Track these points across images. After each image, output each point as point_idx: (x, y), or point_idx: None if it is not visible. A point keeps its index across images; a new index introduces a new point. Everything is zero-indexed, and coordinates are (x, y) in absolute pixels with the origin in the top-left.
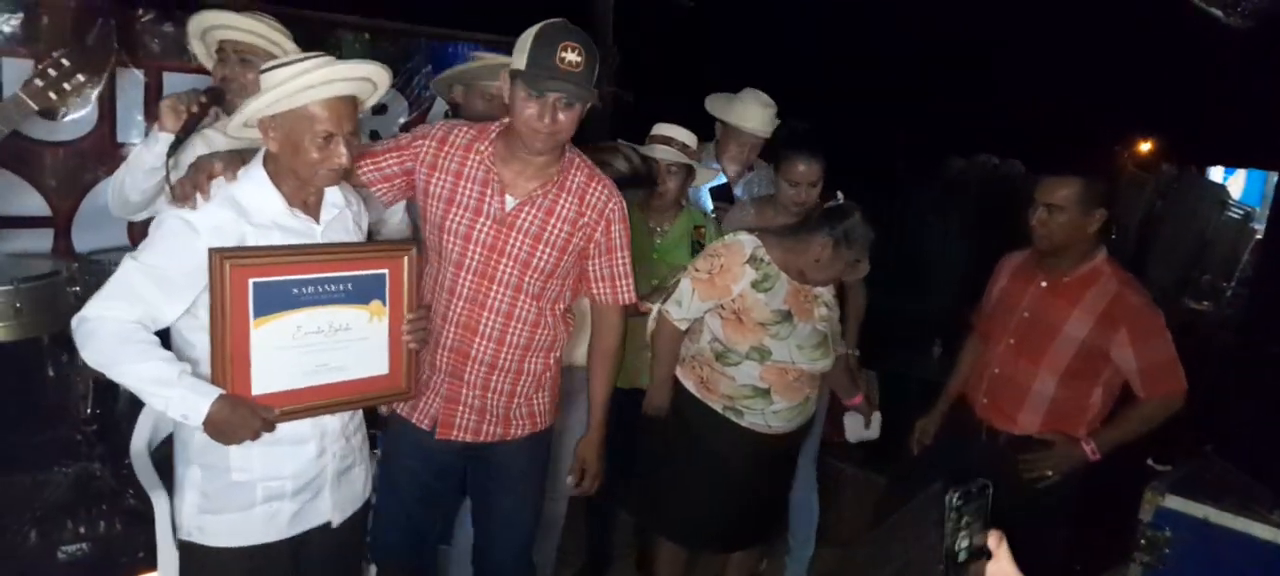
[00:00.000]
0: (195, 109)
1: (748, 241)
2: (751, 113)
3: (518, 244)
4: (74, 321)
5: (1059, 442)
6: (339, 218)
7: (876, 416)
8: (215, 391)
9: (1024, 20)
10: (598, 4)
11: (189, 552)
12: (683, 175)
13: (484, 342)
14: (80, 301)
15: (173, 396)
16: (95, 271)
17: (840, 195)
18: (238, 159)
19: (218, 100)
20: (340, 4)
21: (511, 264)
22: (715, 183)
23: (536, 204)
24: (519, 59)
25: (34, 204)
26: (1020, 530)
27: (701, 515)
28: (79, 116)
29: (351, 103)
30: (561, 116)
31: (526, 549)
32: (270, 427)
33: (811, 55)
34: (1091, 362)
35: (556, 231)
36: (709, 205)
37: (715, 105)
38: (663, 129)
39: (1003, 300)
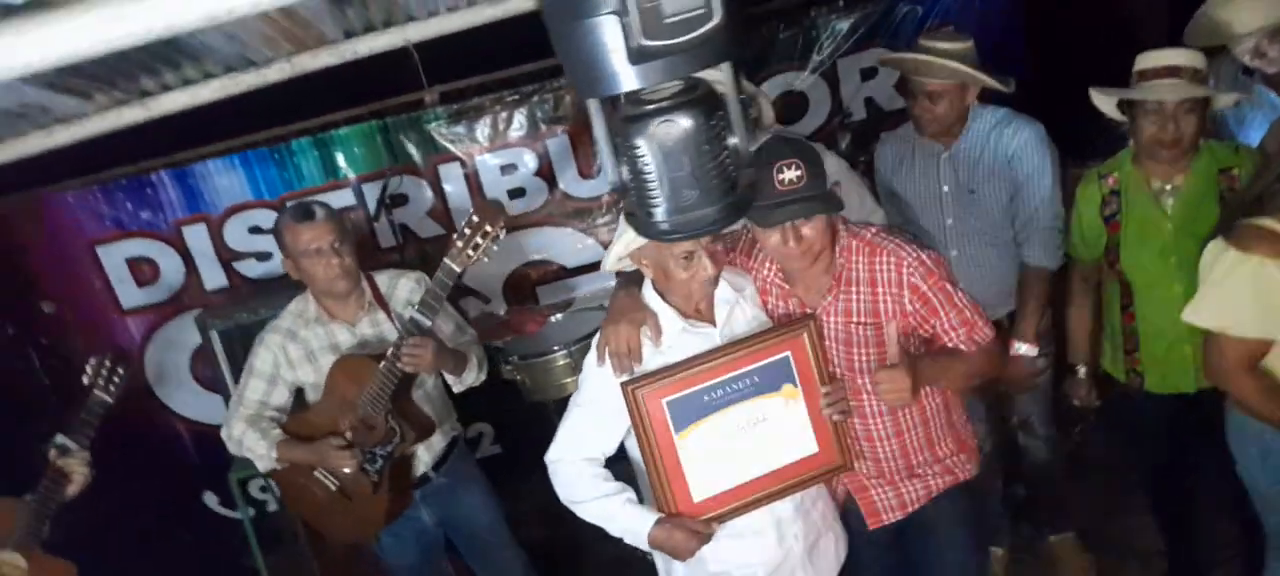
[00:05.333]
0: None
1: None
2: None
3: (835, 352)
4: (546, 459)
5: None
6: (734, 312)
7: None
8: (652, 518)
9: None
10: None
11: None
12: (1199, 110)
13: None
14: None
15: (619, 527)
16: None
17: None
18: (640, 316)
19: None
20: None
21: (839, 370)
22: None
23: (833, 312)
24: None
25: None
26: None
27: None
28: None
29: None
30: (806, 232)
31: None
32: (709, 536)
33: None
34: None
35: (861, 332)
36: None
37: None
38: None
39: None
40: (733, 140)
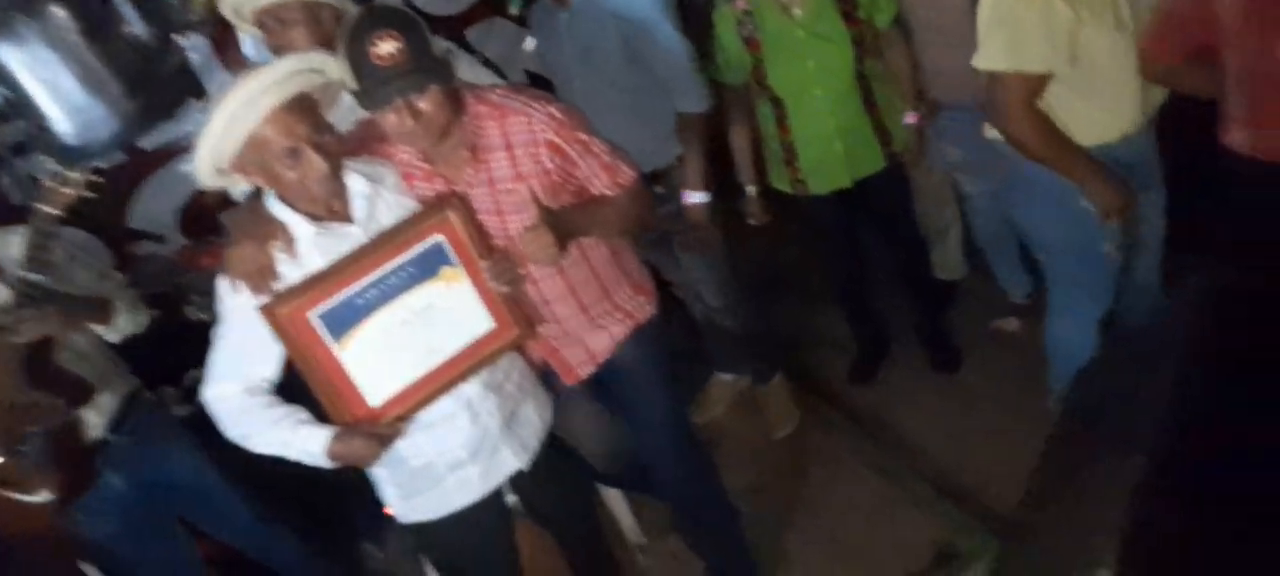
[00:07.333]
0: None
1: None
2: None
3: (491, 223)
4: (202, 399)
5: None
6: (376, 205)
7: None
8: (324, 434)
9: None
10: None
11: (416, 531)
12: None
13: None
14: None
15: (296, 451)
16: None
17: None
18: (266, 230)
19: None
20: None
21: (499, 239)
22: None
23: (477, 184)
24: (348, 76)
25: None
26: None
27: None
28: None
29: (299, 105)
30: (422, 106)
31: (683, 440)
32: (393, 436)
33: None
34: None
35: (509, 199)
36: None
37: None
38: None
39: None
40: (129, 28)
